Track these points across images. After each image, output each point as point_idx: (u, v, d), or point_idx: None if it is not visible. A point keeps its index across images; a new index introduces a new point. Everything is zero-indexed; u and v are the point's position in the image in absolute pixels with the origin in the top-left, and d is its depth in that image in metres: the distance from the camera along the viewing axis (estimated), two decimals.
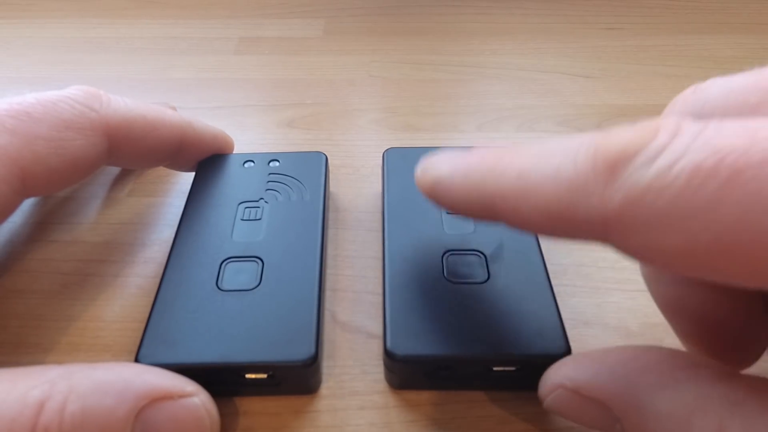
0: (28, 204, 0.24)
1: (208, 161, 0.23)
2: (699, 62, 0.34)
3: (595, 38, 0.37)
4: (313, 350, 0.16)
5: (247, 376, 0.16)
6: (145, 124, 0.20)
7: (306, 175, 0.22)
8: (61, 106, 0.18)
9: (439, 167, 0.15)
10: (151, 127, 0.20)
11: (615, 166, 0.11)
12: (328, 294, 0.20)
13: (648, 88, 0.32)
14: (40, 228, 0.23)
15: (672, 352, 0.13)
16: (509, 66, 0.34)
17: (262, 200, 0.21)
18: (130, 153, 0.20)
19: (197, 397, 0.15)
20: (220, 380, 0.16)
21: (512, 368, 0.16)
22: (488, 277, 0.18)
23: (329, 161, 0.23)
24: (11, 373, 0.13)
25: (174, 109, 0.25)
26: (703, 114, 0.11)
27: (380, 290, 0.18)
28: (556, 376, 0.14)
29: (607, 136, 0.11)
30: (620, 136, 0.11)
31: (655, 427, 0.12)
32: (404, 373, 0.17)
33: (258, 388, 0.17)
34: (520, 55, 0.35)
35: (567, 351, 0.16)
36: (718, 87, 0.13)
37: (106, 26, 0.38)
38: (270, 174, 0.22)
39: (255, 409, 0.17)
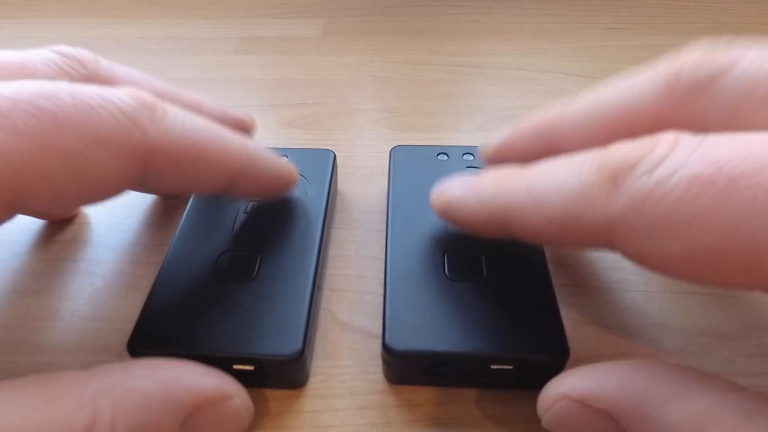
0: None
1: None
2: None
3: (595, 38, 0.37)
4: (299, 345, 0.16)
5: (234, 367, 0.16)
6: (199, 157, 0.16)
7: (312, 172, 0.22)
8: (100, 114, 0.14)
9: (453, 189, 0.17)
10: (207, 162, 0.16)
11: (617, 175, 0.11)
12: (328, 294, 0.20)
13: None
14: (40, 227, 0.23)
15: (679, 365, 0.13)
16: (509, 66, 0.34)
17: None
18: (166, 185, 0.16)
19: (237, 398, 0.15)
20: None
21: (510, 367, 0.16)
22: (486, 276, 0.18)
23: None
24: (44, 389, 0.12)
25: (251, 127, 0.23)
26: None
27: (380, 290, 0.18)
28: (560, 387, 0.14)
29: (609, 150, 0.12)
30: (621, 150, 0.12)
31: None
32: (401, 368, 0.17)
33: (247, 379, 0.17)
34: (520, 55, 0.35)
35: (565, 351, 0.16)
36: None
37: (106, 26, 0.38)
38: None
39: (254, 409, 0.17)
